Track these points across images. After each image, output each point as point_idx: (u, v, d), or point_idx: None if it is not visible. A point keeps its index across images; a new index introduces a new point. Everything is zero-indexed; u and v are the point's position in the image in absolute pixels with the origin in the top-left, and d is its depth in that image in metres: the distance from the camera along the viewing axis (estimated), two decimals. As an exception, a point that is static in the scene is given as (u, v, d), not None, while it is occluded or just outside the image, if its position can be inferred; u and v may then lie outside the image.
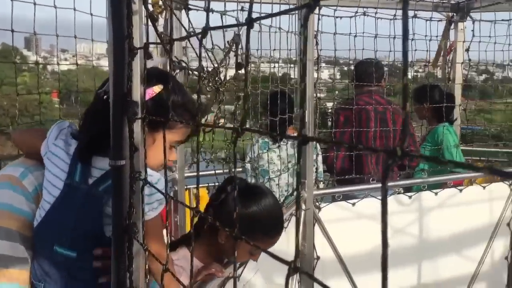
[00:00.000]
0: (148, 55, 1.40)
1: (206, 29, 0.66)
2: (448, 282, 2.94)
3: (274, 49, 2.91)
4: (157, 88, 1.16)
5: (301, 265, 2.28)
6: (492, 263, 3.01)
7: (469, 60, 3.52)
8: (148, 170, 0.97)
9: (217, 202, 1.51)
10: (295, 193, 2.51)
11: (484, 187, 2.96)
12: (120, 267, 0.98)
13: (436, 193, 2.84)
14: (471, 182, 3.14)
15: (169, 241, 1.68)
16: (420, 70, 5.04)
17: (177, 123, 1.19)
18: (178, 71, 1.35)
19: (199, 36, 0.70)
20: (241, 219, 1.46)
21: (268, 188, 1.89)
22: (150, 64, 1.21)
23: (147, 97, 1.04)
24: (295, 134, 1.96)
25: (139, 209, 0.96)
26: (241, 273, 1.72)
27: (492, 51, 3.29)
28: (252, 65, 3.23)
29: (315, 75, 2.61)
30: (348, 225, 2.69)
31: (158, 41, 1.00)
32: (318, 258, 2.56)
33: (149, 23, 0.91)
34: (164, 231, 1.35)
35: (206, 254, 1.55)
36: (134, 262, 0.97)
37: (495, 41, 3.10)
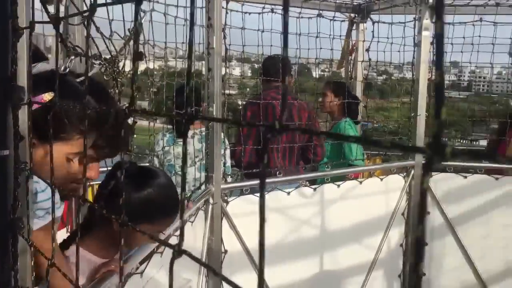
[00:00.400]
0: (41, 56, 1.30)
1: (94, 6, 0.62)
2: (349, 270, 3.08)
3: (183, 42, 2.86)
4: (47, 96, 1.07)
5: (209, 259, 2.27)
6: (389, 250, 3.21)
7: (369, 59, 3.70)
8: (35, 177, 0.90)
9: (108, 189, 1.46)
10: (202, 187, 2.50)
11: (381, 179, 3.14)
12: (3, 266, 0.90)
13: (338, 185, 2.96)
14: (371, 175, 3.32)
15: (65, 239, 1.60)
16: (327, 70, 5.24)
17: (72, 134, 1.12)
18: (73, 57, 1.27)
19: (96, 19, 0.66)
20: (135, 203, 1.44)
21: (160, 169, 1.88)
22: (45, 67, 1.11)
23: (35, 106, 0.95)
24: (203, 128, 1.96)
25: (25, 203, 0.89)
26: (145, 268, 1.67)
27: (389, 51, 3.48)
28: (161, 60, 3.16)
29: (224, 70, 2.61)
30: (255, 218, 2.72)
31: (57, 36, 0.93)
32: (225, 251, 2.57)
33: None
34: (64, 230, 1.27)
35: (103, 247, 1.49)
36: (19, 260, 0.90)
37: (392, 42, 3.30)
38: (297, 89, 4.65)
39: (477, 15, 3.13)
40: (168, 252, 1.82)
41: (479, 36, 3.26)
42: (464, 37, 3.30)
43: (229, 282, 0.51)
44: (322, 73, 5.44)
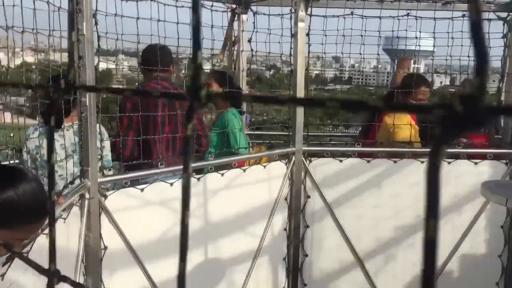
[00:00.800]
0: None
1: None
2: (234, 258, 3.12)
3: (53, 30, 2.68)
4: None
5: (87, 257, 2.15)
6: (273, 235, 3.31)
7: (252, 50, 3.76)
8: None
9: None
10: (76, 182, 2.37)
11: (264, 166, 3.21)
12: None
13: (222, 174, 2.98)
14: (257, 162, 3.38)
15: None
16: (217, 64, 5.25)
17: None
18: None
19: None
20: None
21: (28, 169, 1.73)
22: None
23: None
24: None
25: None
26: (6, 271, 1.54)
27: (269, 43, 3.56)
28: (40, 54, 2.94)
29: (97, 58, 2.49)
30: (137, 212, 2.65)
31: None
32: (105, 248, 2.46)
33: None
34: None
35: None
36: None
37: (270, 33, 3.38)
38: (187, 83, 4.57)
39: (348, 9, 3.32)
40: (34, 253, 1.70)
41: (351, 29, 3.46)
42: (337, 30, 3.48)
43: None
44: (214, 67, 5.45)
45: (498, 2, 3.42)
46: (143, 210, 2.67)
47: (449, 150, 3.39)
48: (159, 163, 2.69)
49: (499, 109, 0.20)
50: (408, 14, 3.43)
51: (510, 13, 3.44)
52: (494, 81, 4.27)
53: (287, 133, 3.53)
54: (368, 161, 3.31)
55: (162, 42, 3.15)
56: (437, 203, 0.21)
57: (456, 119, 0.19)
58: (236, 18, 3.89)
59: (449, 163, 3.25)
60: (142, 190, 2.63)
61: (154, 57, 3.09)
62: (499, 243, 3.30)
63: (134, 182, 2.69)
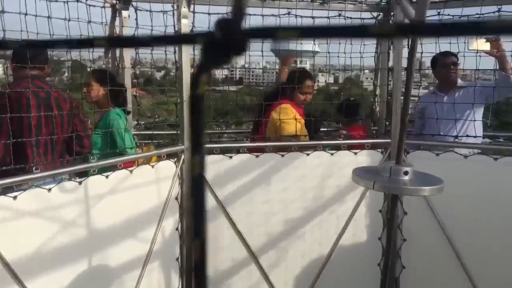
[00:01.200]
0: None
1: None
2: (123, 266, 2.98)
3: None
4: None
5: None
6: (165, 237, 3.22)
7: (135, 48, 3.65)
8: None
9: None
10: None
11: (152, 166, 3.12)
12: None
13: (106, 176, 2.83)
14: (145, 163, 3.27)
15: None
16: (104, 64, 5.02)
17: None
18: None
19: None
20: None
21: None
22: None
23: None
24: None
25: None
26: None
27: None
28: None
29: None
30: (11, 221, 2.42)
31: None
32: (-27, 265, 2.22)
33: None
34: None
35: None
36: None
37: (152, 29, 3.30)
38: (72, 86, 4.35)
39: (230, 7, 3.33)
40: None
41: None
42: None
43: None
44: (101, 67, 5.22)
45: (369, 2, 3.66)
46: (17, 220, 2.44)
47: (331, 142, 3.57)
48: (34, 167, 2.49)
49: (255, 32, 0.19)
50: (289, 13, 3.54)
51: (381, 13, 3.70)
52: (371, 78, 4.58)
53: (176, 132, 3.47)
54: (257, 156, 3.35)
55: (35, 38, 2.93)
56: (201, 132, 0.20)
57: (216, 45, 0.17)
58: (117, 15, 3.73)
59: (332, 154, 3.41)
60: (14, 198, 2.40)
61: (26, 54, 2.86)
62: (378, 226, 3.54)
63: (6, 190, 2.46)
